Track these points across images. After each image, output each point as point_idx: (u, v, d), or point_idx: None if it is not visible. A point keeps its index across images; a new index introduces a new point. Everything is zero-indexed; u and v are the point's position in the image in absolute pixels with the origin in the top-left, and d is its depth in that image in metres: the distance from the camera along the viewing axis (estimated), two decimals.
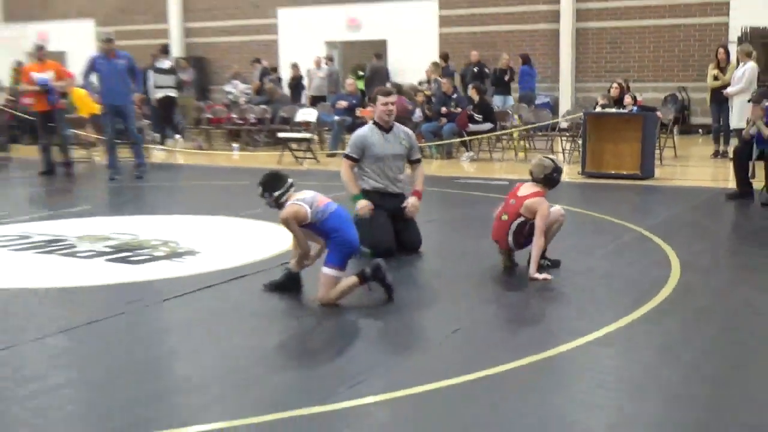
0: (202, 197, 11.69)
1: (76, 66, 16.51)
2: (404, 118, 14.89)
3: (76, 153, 14.71)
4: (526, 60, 18.76)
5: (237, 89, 19.42)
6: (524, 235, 6.48)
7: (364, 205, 7.12)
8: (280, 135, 15.68)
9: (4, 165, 15.02)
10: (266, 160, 13.83)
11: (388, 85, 16.15)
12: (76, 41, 23.77)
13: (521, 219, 6.46)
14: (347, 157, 7.35)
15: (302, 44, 21.71)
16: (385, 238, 7.08)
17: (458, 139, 15.29)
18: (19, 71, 22.34)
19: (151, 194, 11.76)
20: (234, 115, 18.27)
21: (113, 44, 12.37)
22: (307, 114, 16.31)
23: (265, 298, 5.92)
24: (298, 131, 15.73)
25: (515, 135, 15.77)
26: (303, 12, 22.12)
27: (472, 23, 20.62)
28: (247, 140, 17.98)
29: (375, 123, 7.39)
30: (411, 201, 7.36)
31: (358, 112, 15.69)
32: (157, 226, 8.70)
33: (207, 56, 23.04)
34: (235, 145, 16.90)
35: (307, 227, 5.65)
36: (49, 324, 5.37)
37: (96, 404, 4.10)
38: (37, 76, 12.71)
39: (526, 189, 6.56)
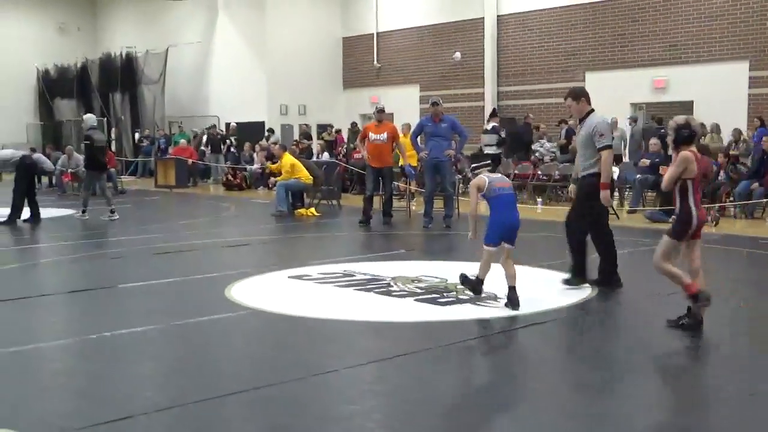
0: None
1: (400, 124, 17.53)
2: (709, 177, 14.08)
3: (397, 203, 15.44)
4: (763, 122, 17.39)
5: (543, 147, 19.47)
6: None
7: (604, 197, 7.59)
8: None
9: (334, 211, 16.11)
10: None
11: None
12: (403, 104, 25.12)
13: None
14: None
15: (608, 106, 21.29)
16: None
17: (765, 200, 14.17)
18: (353, 131, 24.11)
19: (459, 242, 12.02)
20: (539, 172, 18.32)
21: (440, 108, 12.95)
22: None
23: (558, 346, 5.82)
24: None
25: None
26: (610, 75, 21.76)
27: None
28: (551, 195, 17.91)
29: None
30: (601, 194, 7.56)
31: (660, 170, 15.02)
32: (463, 271, 8.84)
33: (517, 117, 23.32)
34: (539, 199, 16.91)
35: (484, 198, 6.85)
36: (364, 354, 5.67)
37: (399, 431, 4.25)
38: (373, 136, 13.58)
39: None
